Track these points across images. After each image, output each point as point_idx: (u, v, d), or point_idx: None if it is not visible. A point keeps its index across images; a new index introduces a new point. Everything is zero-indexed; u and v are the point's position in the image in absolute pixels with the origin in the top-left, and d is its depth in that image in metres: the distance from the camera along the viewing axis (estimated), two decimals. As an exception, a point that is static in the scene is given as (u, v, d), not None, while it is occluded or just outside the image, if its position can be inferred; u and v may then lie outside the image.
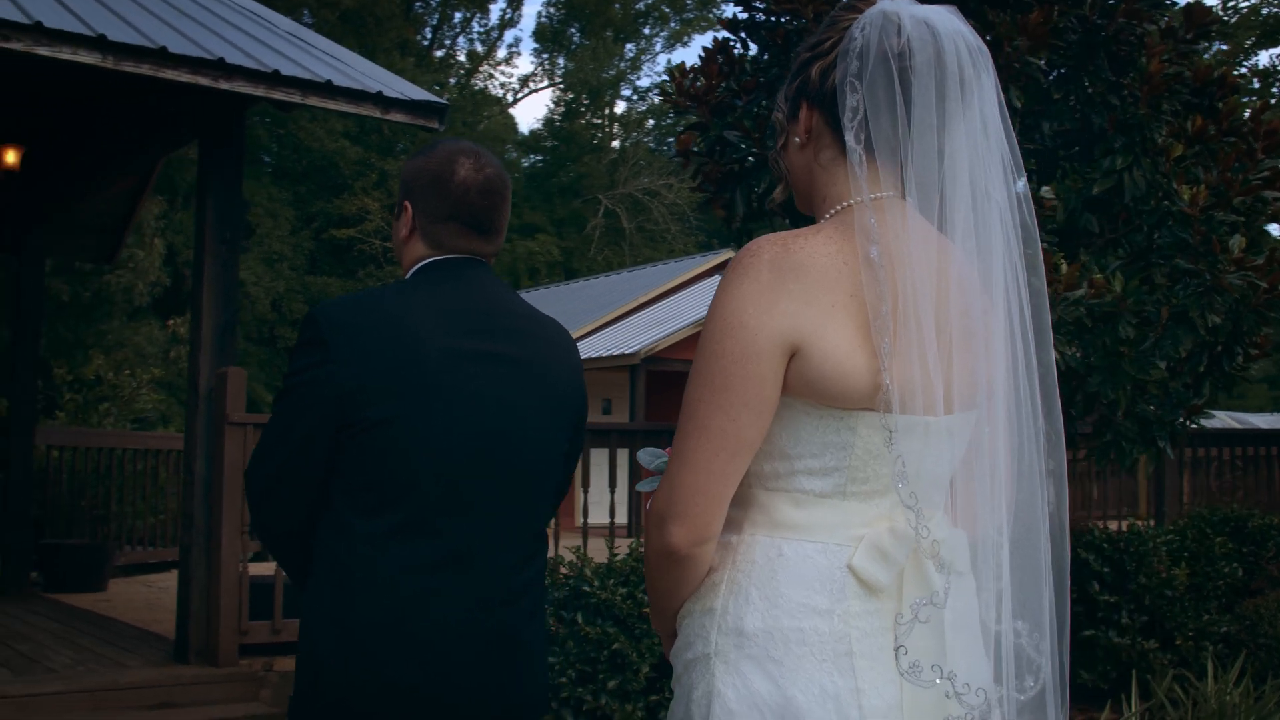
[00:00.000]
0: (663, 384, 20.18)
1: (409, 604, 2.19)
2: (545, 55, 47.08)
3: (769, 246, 1.69)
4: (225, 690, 6.22)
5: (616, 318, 22.65)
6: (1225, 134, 5.13)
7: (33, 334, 9.92)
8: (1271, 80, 10.45)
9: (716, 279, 23.76)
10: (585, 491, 6.66)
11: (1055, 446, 1.80)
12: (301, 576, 2.36)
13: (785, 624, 1.68)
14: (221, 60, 6.02)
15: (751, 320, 1.65)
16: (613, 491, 6.71)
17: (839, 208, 1.80)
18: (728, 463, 1.68)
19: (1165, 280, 4.99)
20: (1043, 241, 4.73)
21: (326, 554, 2.26)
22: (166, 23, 6.57)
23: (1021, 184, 1.80)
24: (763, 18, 5.78)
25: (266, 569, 6.81)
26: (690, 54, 53.85)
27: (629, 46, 46.68)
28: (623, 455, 6.81)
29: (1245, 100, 5.43)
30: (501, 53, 61.27)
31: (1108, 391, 4.76)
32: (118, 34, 5.86)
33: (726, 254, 25.98)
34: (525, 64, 67.17)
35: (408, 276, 2.43)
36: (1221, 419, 20.72)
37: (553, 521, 2.87)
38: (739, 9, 5.79)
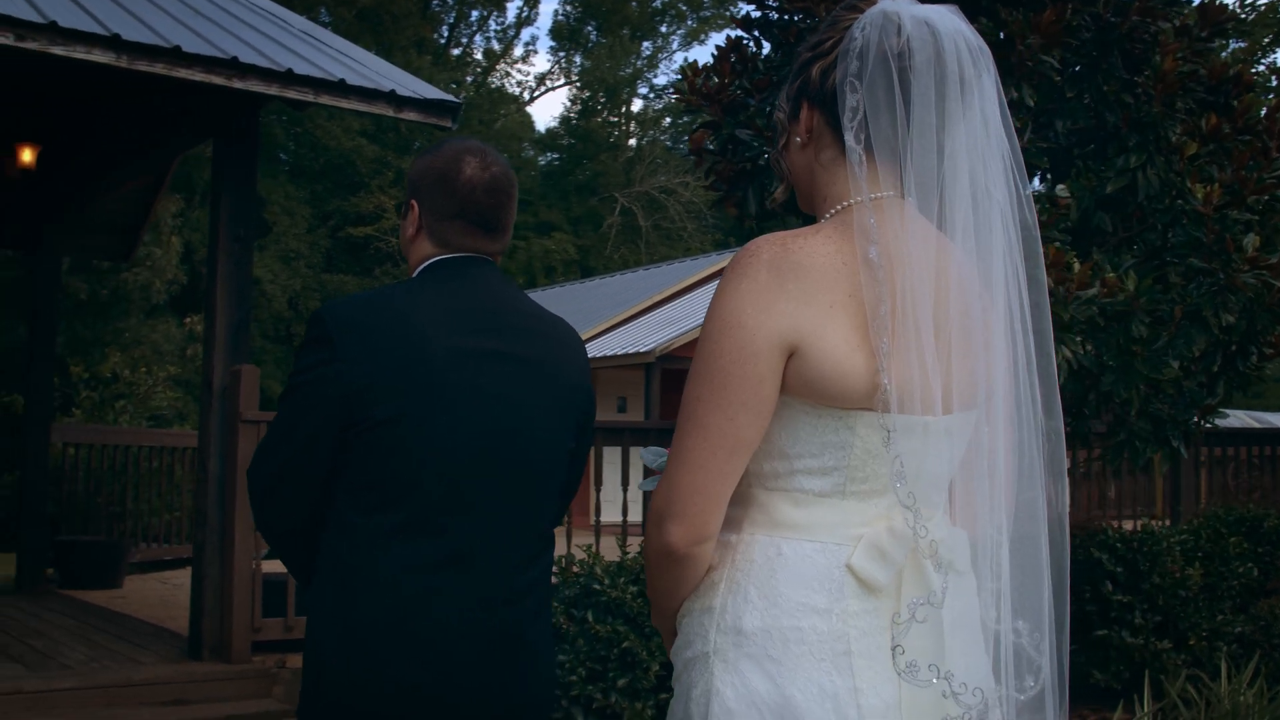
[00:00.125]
0: (677, 382, 20.14)
1: (411, 603, 2.19)
2: (562, 53, 47.13)
3: (768, 246, 1.70)
4: (238, 687, 6.24)
5: (631, 316, 22.63)
6: (1240, 132, 5.10)
7: (49, 331, 9.97)
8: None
9: (732, 278, 23.74)
10: (598, 490, 6.68)
11: (1056, 445, 1.80)
12: (305, 575, 2.36)
13: (784, 623, 1.68)
14: (235, 59, 6.04)
15: (750, 320, 1.65)
16: (625, 490, 6.73)
17: (839, 207, 1.81)
18: (725, 462, 1.68)
19: (1180, 279, 4.97)
20: (1055, 240, 4.72)
21: (329, 553, 2.25)
22: (181, 22, 6.60)
23: (1032, 184, 1.79)
24: (776, 16, 5.78)
25: (279, 566, 6.83)
26: (707, 52, 53.58)
27: (646, 45, 46.71)
28: (636, 454, 6.82)
29: (1262, 99, 5.39)
30: (518, 51, 61.21)
31: (1120, 390, 4.74)
32: (132, 33, 5.89)
33: (740, 252, 25.90)
34: (542, 62, 67.42)
35: (415, 275, 2.43)
36: (1239, 418, 20.61)
37: (565, 520, 2.85)
38: (752, 7, 5.79)
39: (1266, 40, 10.67)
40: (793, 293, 1.66)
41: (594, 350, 19.80)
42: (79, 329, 15.56)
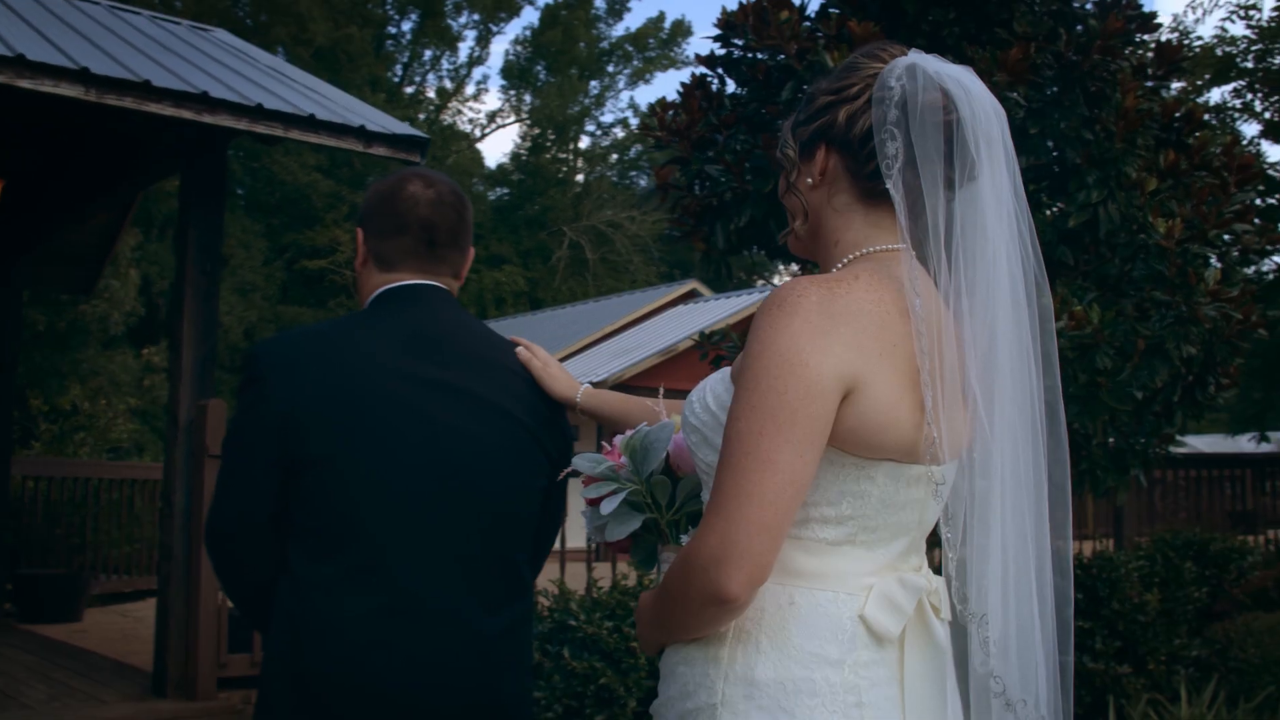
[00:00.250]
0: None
1: (359, 654, 2.07)
2: (512, 92, 47.66)
3: (814, 288, 1.67)
4: (205, 724, 6.19)
5: (583, 347, 22.72)
6: (1197, 168, 5.24)
7: (9, 364, 9.87)
8: (1223, 116, 10.64)
9: (681, 309, 23.94)
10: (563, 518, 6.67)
11: (1059, 503, 1.79)
12: (264, 624, 2.23)
13: (796, 674, 1.67)
14: (205, 94, 6.05)
15: (812, 360, 1.61)
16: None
17: (856, 254, 1.81)
18: (794, 499, 1.62)
19: (1134, 311, 5.07)
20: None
21: (279, 604, 2.14)
22: (149, 56, 6.61)
23: (1032, 246, 1.81)
24: (740, 54, 5.85)
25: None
26: (652, 91, 54.70)
27: (593, 84, 47.43)
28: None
29: (1216, 135, 5.54)
30: (470, 89, 61.68)
31: (1085, 422, 4.83)
32: (100, 67, 5.89)
33: (691, 285, 26.18)
34: (493, 100, 67.78)
35: (364, 307, 2.34)
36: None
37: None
38: (717, 45, 5.86)
39: (1200, 82, 10.91)
40: (846, 338, 1.63)
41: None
42: (37, 360, 15.39)
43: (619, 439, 2.10)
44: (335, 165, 35.81)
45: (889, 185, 1.73)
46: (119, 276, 16.89)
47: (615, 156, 48.32)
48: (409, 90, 44.89)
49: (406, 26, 44.76)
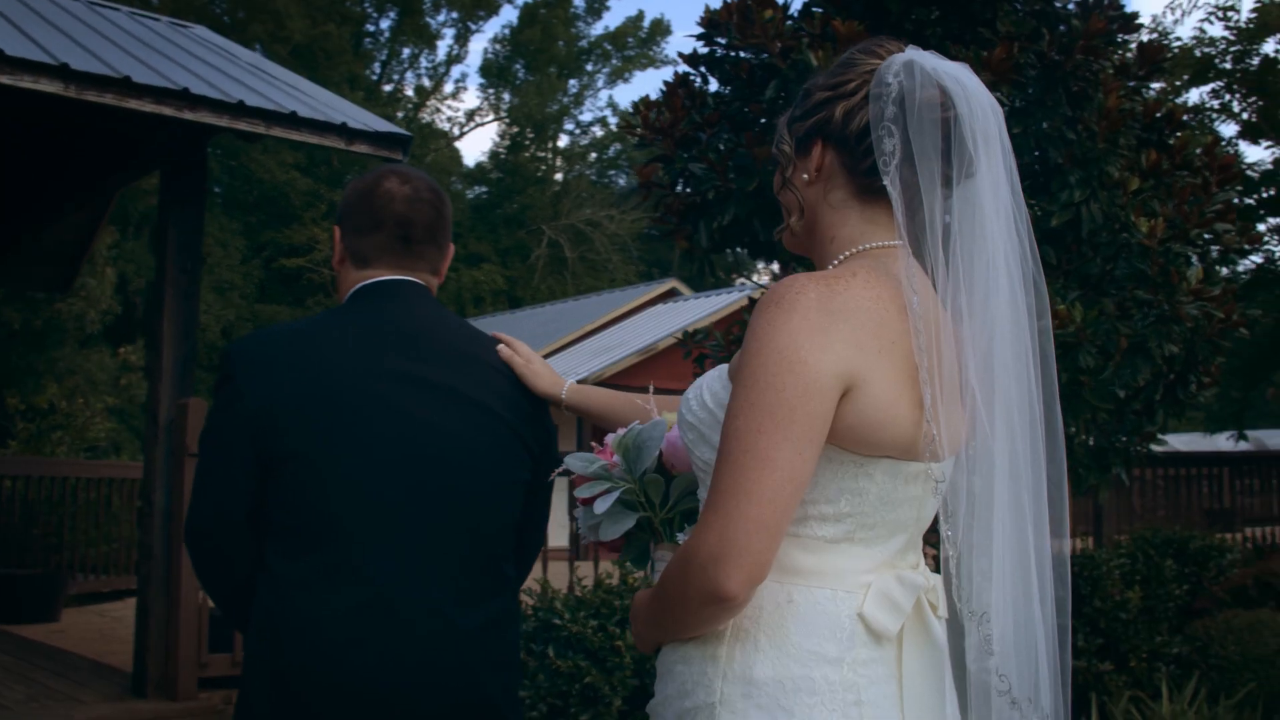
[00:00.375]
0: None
1: (335, 651, 2.06)
2: (491, 90, 47.69)
3: (813, 286, 1.66)
4: (185, 725, 6.16)
5: (563, 345, 22.72)
6: (1179, 168, 5.26)
7: (-15, 364, 9.82)
8: (1201, 117, 10.74)
9: (661, 308, 23.97)
10: (545, 516, 6.66)
11: (1056, 501, 1.78)
12: (244, 623, 2.23)
13: (795, 672, 1.66)
14: (186, 90, 6.01)
15: (811, 357, 1.60)
16: (571, 517, 6.73)
17: (852, 251, 1.81)
18: (793, 497, 1.61)
19: (1115, 310, 5.09)
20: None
21: (258, 602, 2.14)
22: (129, 52, 6.56)
23: (1029, 244, 1.81)
24: (723, 52, 5.85)
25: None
26: (631, 91, 54.87)
27: (572, 83, 47.55)
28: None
29: (1197, 136, 5.57)
30: (449, 88, 61.68)
31: (1068, 421, 4.85)
32: (80, 63, 5.84)
33: (670, 283, 26.22)
34: (472, 99, 67.77)
35: (341, 305, 2.34)
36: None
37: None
38: (700, 44, 5.85)
39: (1179, 83, 10.99)
40: (845, 335, 1.63)
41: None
42: (13, 359, 15.30)
43: (611, 438, 2.10)
44: (313, 163, 35.76)
45: (886, 182, 1.73)
46: (95, 275, 16.80)
47: (594, 155, 48.47)
48: (387, 88, 44.88)
49: (385, 24, 44.76)
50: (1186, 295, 4.90)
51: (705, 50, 5.88)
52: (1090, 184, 5.08)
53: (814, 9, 5.65)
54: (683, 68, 5.97)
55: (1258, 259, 11.11)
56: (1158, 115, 5.49)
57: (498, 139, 49.36)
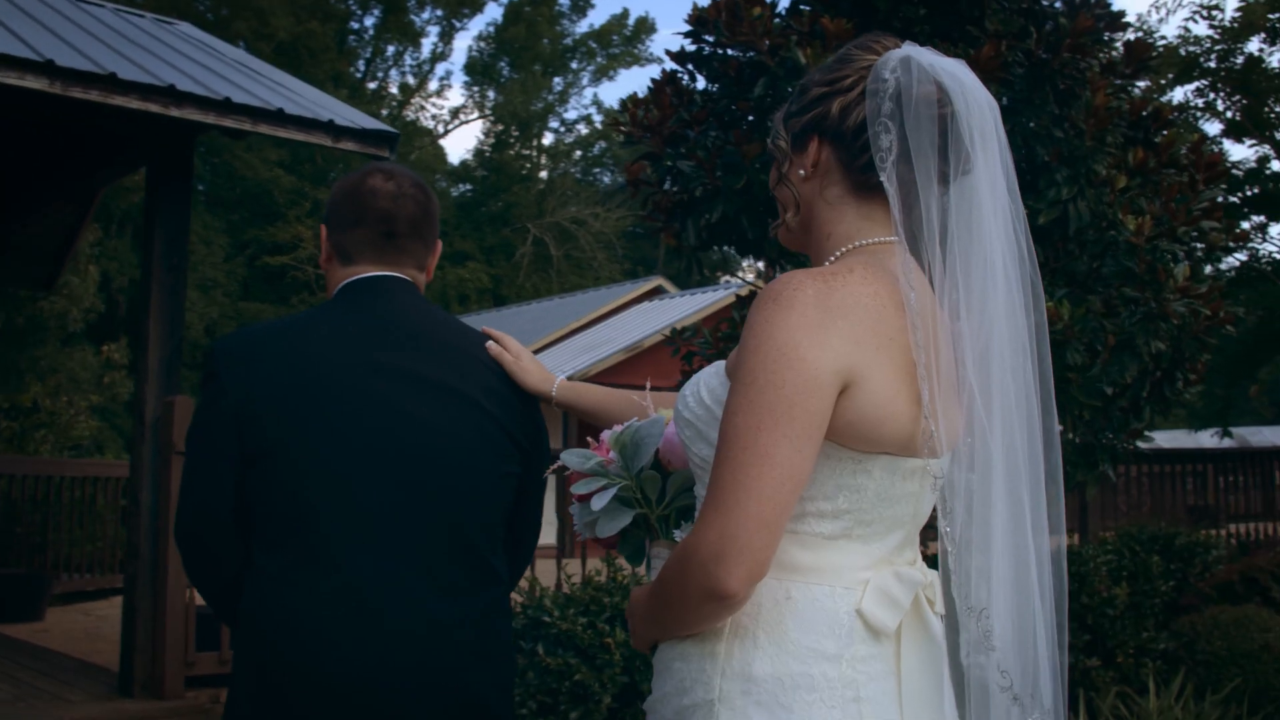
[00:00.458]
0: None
1: (314, 644, 2.05)
2: (476, 88, 47.67)
3: (810, 282, 1.65)
4: (172, 724, 6.13)
5: (549, 343, 22.71)
6: (1165, 166, 5.28)
7: (-32, 362, 9.77)
8: (1185, 115, 10.80)
9: (646, 305, 23.97)
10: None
11: (1053, 497, 1.78)
12: (233, 619, 2.22)
13: (794, 669, 1.66)
14: (172, 87, 5.98)
15: (809, 354, 1.60)
16: (558, 514, 6.77)
17: (848, 247, 1.80)
18: (791, 494, 1.60)
19: (1102, 307, 5.11)
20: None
21: (244, 596, 2.14)
22: (114, 49, 6.53)
23: (1026, 240, 1.81)
24: (711, 50, 5.85)
25: (214, 599, 6.73)
26: (616, 88, 54.96)
27: (557, 80, 47.58)
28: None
29: (1183, 134, 5.60)
30: (433, 85, 61.61)
31: (1057, 418, 4.86)
32: (66, 59, 5.81)
33: (656, 281, 26.22)
34: (456, 96, 67.80)
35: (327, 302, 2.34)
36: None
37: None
38: (688, 41, 5.85)
39: (1164, 81, 11.05)
40: (843, 331, 1.62)
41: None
42: (-5, 357, 15.29)
43: (607, 434, 2.09)
44: (297, 161, 35.67)
45: (883, 178, 1.73)
46: (78, 273, 16.73)
47: (579, 153, 48.53)
48: (371, 86, 44.81)
49: (369, 22, 44.67)
50: (1174, 292, 4.92)
51: (693, 48, 5.88)
52: (1078, 182, 5.10)
53: (802, 6, 5.66)
54: (670, 65, 5.97)
55: (1241, 256, 11.18)
56: (1144, 113, 5.51)
57: (482, 137, 49.44)
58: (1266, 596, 7.07)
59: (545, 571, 6.36)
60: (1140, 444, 5.60)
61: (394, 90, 46.11)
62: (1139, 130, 5.54)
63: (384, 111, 43.20)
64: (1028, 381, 1.76)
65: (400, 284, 2.32)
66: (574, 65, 47.75)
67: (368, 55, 45.21)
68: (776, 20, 5.46)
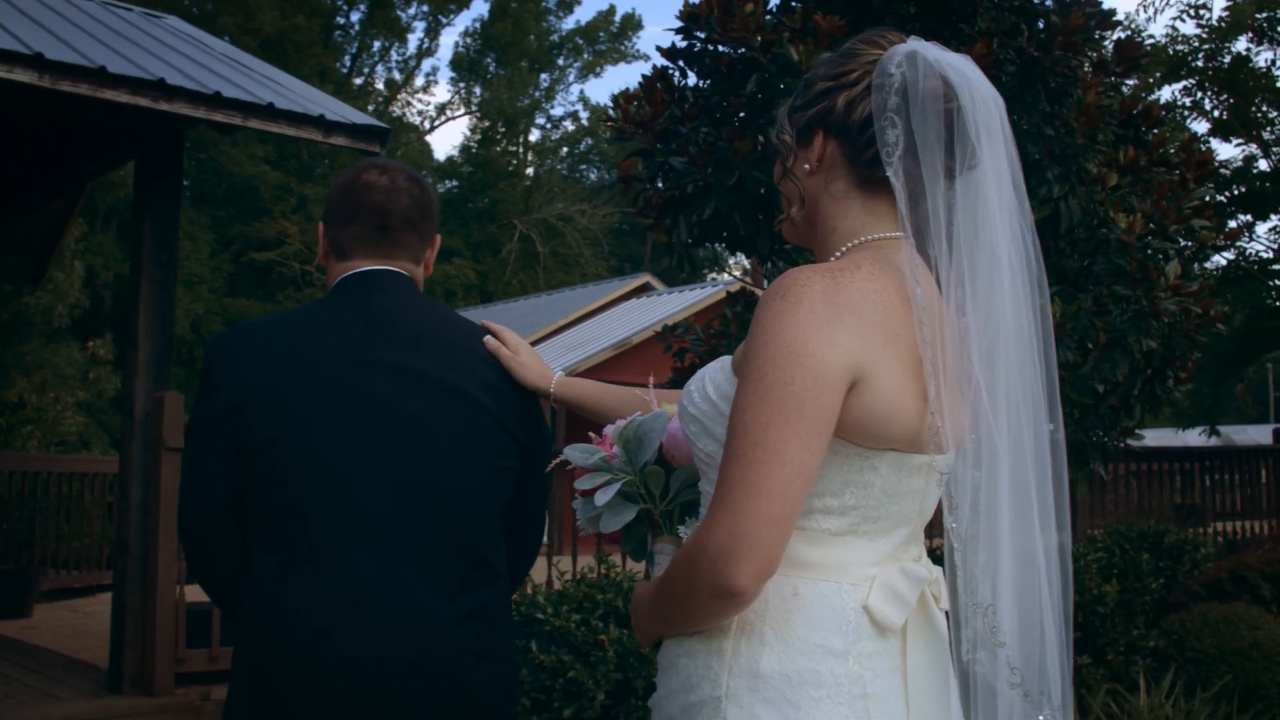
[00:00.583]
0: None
1: (309, 641, 2.04)
2: (462, 84, 47.67)
3: (818, 278, 1.65)
4: (162, 720, 6.11)
5: (537, 340, 22.68)
6: (1156, 164, 5.30)
7: (-46, 358, 9.72)
8: (1173, 114, 10.85)
9: (634, 302, 23.96)
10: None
11: (1059, 492, 1.77)
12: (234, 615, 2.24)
13: (801, 665, 1.66)
14: (162, 81, 5.95)
15: (819, 350, 1.59)
16: (547, 510, 6.72)
17: (854, 242, 1.80)
18: (801, 491, 1.59)
19: (1092, 305, 5.12)
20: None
21: (244, 595, 2.14)
22: (103, 43, 6.49)
23: (1032, 236, 1.81)
24: (702, 46, 5.84)
25: (204, 594, 6.70)
26: (602, 85, 54.93)
27: (543, 77, 47.60)
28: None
29: (1173, 132, 5.61)
30: (419, 81, 61.57)
31: (1048, 415, 4.87)
32: (55, 53, 5.77)
33: (644, 278, 26.22)
34: (442, 92, 67.72)
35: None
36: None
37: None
38: (678, 37, 5.85)
39: (1157, 75, 11.09)
40: (851, 327, 1.62)
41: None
42: (-20, 352, 15.21)
43: (610, 429, 2.09)
44: (283, 157, 35.59)
45: (889, 173, 1.72)
46: (63, 268, 16.66)
47: (565, 150, 48.53)
48: (357, 81, 44.71)
49: (355, 17, 44.59)
50: (1165, 291, 4.93)
51: (684, 44, 5.87)
52: (1069, 180, 5.11)
53: (793, 3, 5.66)
54: (661, 61, 5.97)
55: (1229, 255, 11.23)
56: (1134, 111, 5.53)
57: (468, 133, 49.40)
58: (1256, 594, 7.10)
59: (536, 568, 6.34)
60: (1130, 442, 5.61)
61: (380, 86, 46.13)
62: (1129, 129, 5.55)
63: (370, 107, 43.12)
64: (1035, 375, 1.75)
65: (395, 278, 2.31)
66: (560, 62, 47.81)
67: (353, 51, 45.18)
68: (768, 17, 5.46)
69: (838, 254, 1.81)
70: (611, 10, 50.33)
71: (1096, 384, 4.93)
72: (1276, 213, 11.49)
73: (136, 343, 6.50)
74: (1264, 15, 10.41)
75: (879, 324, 1.64)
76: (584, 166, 48.79)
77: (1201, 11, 10.68)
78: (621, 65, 48.20)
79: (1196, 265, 6.41)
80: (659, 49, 5.95)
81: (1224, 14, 10.57)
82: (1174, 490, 11.08)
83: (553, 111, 51.36)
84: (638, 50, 47.42)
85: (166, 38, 7.30)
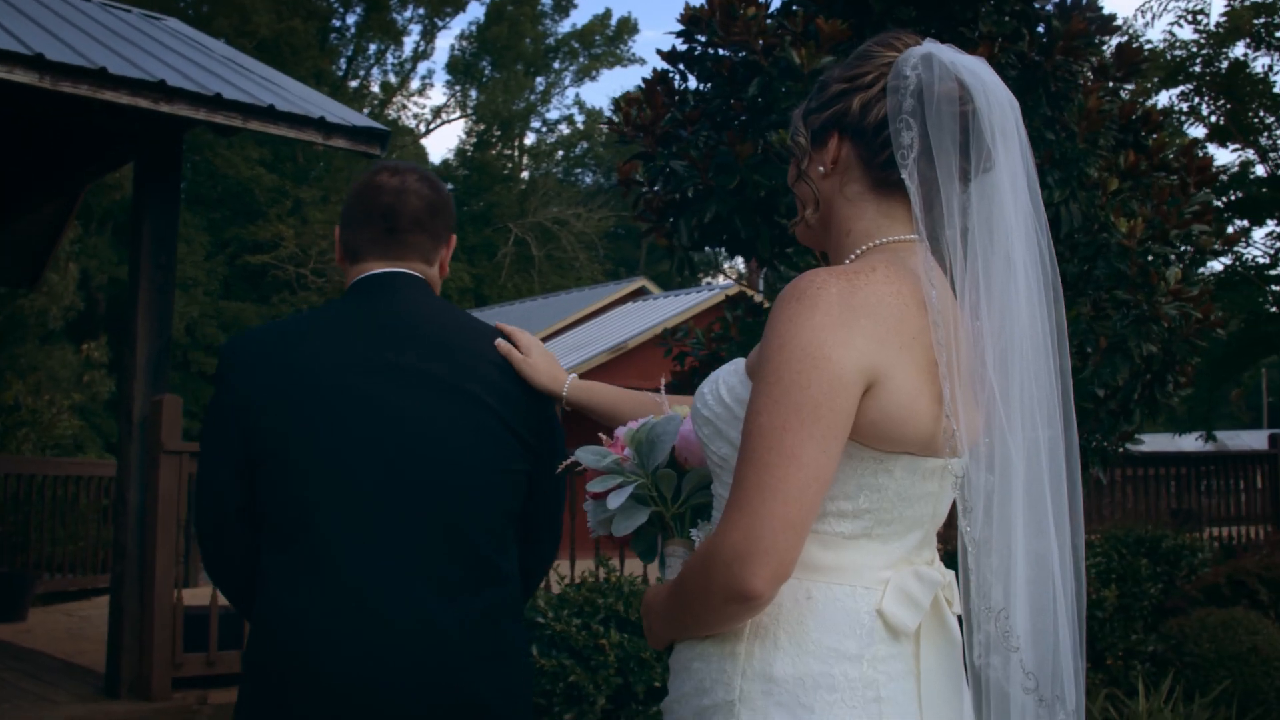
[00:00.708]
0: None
1: (309, 646, 2.05)
2: (458, 87, 47.60)
3: (834, 281, 1.64)
4: (159, 725, 6.09)
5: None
6: (1156, 169, 5.31)
7: (-50, 360, 9.69)
8: (1169, 119, 10.88)
9: (630, 306, 23.97)
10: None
11: (1073, 496, 1.76)
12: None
13: (815, 669, 1.65)
14: (162, 82, 5.94)
15: (835, 353, 1.59)
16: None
17: (869, 245, 1.79)
18: (817, 495, 1.59)
19: (1091, 310, 5.13)
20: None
21: (256, 597, 2.15)
22: (103, 44, 6.48)
23: (1046, 240, 1.80)
24: (702, 50, 5.84)
25: (201, 599, 6.70)
26: (598, 88, 54.97)
27: (539, 80, 47.52)
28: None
29: (1174, 138, 5.62)
30: (415, 84, 61.51)
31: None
32: (55, 54, 5.76)
33: (640, 282, 26.23)
34: (438, 95, 67.68)
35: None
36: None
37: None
38: (679, 41, 5.85)
39: (1155, 80, 11.11)
40: (867, 330, 1.62)
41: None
42: (-25, 355, 15.17)
43: (622, 431, 2.08)
44: (279, 159, 35.55)
45: (904, 175, 1.72)
46: (58, 270, 16.65)
47: (561, 153, 48.52)
48: (353, 84, 44.64)
49: (351, 20, 44.50)
50: (1165, 295, 4.94)
51: (685, 47, 5.87)
52: (1069, 184, 5.12)
53: (794, 7, 5.65)
54: (661, 65, 5.96)
55: (1225, 260, 11.25)
56: (1134, 116, 5.53)
57: (464, 136, 49.35)
58: (1254, 599, 7.11)
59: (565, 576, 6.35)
60: (1133, 447, 5.61)
61: (376, 89, 46.05)
62: (1129, 133, 5.56)
63: (365, 110, 43.11)
64: (1051, 378, 1.74)
65: (406, 280, 2.29)
66: (556, 65, 47.78)
67: (349, 53, 45.11)
68: (770, 20, 5.46)
69: (852, 256, 1.80)
70: (607, 14, 50.58)
71: (1097, 388, 4.93)
72: (1273, 218, 11.51)
73: (135, 345, 6.48)
74: (1262, 21, 10.43)
75: (894, 327, 1.64)
76: (579, 170, 48.81)
77: (1199, 17, 10.71)
78: (617, 69, 48.34)
79: (1201, 270, 6.43)
80: (659, 52, 5.94)
81: (1222, 19, 10.59)
82: (1169, 495, 11.10)
83: (548, 115, 51.46)
84: (633, 54, 47.50)
85: (166, 39, 7.29)
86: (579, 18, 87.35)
